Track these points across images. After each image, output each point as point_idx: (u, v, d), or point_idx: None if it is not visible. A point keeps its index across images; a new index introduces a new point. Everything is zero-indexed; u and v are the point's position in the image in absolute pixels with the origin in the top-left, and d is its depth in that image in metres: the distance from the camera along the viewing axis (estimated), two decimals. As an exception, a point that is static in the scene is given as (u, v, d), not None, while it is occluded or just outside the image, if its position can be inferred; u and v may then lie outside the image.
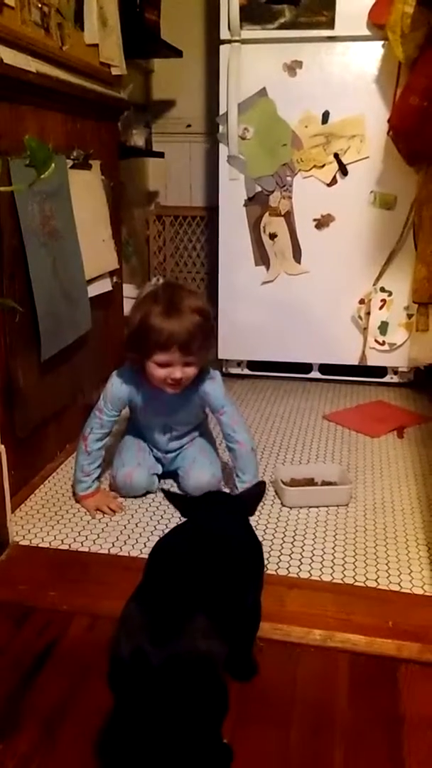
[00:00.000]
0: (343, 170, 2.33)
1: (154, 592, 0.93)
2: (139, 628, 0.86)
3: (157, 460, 1.78)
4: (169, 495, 1.19)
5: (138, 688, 0.83)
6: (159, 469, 1.78)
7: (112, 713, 0.92)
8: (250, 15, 2.22)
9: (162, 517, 1.64)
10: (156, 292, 1.55)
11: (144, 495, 1.73)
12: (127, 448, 1.75)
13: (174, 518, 1.63)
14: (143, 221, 3.06)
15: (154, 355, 1.53)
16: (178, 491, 1.71)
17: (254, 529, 1.16)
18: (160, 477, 1.78)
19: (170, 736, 0.85)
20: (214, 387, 1.66)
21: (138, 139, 2.70)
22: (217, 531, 1.08)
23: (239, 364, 2.66)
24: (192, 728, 0.86)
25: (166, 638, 0.84)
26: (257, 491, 1.18)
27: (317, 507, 1.68)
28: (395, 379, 2.60)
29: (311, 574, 1.42)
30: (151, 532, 1.57)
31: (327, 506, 1.69)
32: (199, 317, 1.53)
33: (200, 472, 1.69)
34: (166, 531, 1.56)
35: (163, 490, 1.32)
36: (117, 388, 1.65)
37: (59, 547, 1.51)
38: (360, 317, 2.46)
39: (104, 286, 2.10)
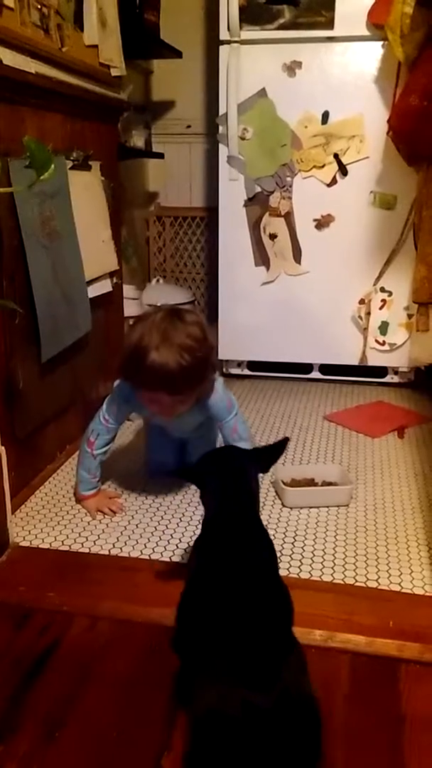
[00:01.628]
0: (342, 170, 2.33)
1: (233, 641, 0.91)
2: (233, 680, 0.85)
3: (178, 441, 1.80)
4: (179, 472, 1.26)
5: (253, 737, 0.82)
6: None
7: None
8: (250, 15, 2.22)
9: (162, 518, 1.64)
10: (153, 323, 1.43)
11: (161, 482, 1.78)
12: (151, 433, 1.82)
13: (174, 519, 1.63)
14: (143, 222, 3.06)
15: (142, 392, 1.49)
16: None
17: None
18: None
19: None
20: (215, 399, 1.59)
21: (138, 140, 2.70)
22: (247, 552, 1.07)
23: (239, 364, 2.66)
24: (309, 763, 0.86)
25: (269, 682, 0.84)
26: (277, 449, 1.21)
27: (318, 507, 1.68)
28: (395, 379, 2.59)
29: (312, 575, 1.42)
30: (151, 533, 1.57)
31: (327, 506, 1.69)
32: (193, 353, 1.41)
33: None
34: (166, 532, 1.57)
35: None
36: (119, 401, 1.61)
37: (59, 548, 1.51)
38: (360, 317, 2.46)
39: (104, 287, 2.10)
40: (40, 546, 1.52)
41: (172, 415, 1.54)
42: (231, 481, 1.20)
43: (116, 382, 1.63)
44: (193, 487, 1.75)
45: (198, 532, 1.57)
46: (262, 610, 0.96)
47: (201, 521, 1.61)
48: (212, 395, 1.59)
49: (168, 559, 1.47)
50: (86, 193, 1.93)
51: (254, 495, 1.22)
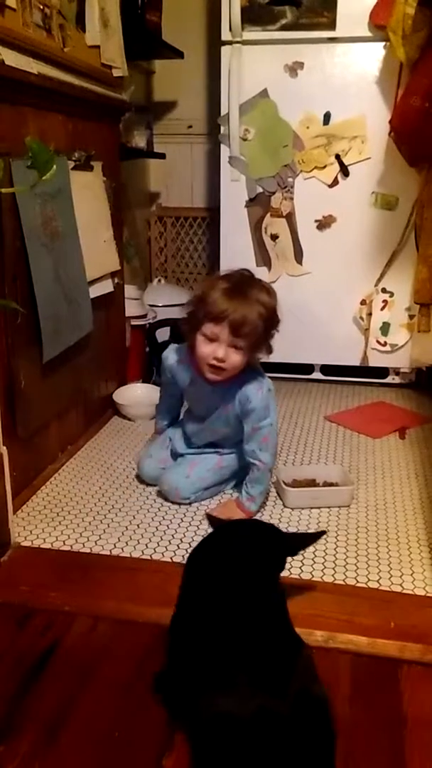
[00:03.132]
0: (344, 171, 2.33)
1: (247, 650, 0.92)
2: (248, 687, 0.86)
3: (173, 455, 1.80)
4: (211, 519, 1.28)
5: (271, 742, 0.82)
6: (170, 464, 1.78)
7: None
8: (252, 16, 2.23)
9: (164, 518, 1.64)
10: (230, 274, 1.54)
11: (152, 486, 1.78)
12: (151, 439, 1.88)
13: (175, 519, 1.63)
14: (145, 222, 3.06)
15: (203, 326, 1.50)
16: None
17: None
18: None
19: None
20: (258, 397, 1.57)
21: (139, 141, 2.70)
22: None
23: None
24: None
25: (283, 687, 0.85)
26: (309, 538, 1.25)
27: (319, 508, 1.68)
28: (397, 379, 2.59)
29: (313, 575, 1.42)
30: (152, 533, 1.57)
31: (329, 507, 1.69)
32: (263, 309, 1.49)
33: (178, 482, 1.68)
34: (167, 532, 1.57)
35: (207, 516, 1.41)
36: (164, 361, 1.72)
37: (61, 548, 1.51)
38: (361, 318, 2.46)
39: (106, 287, 2.11)
40: (41, 546, 1.52)
41: (221, 372, 1.53)
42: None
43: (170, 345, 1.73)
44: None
45: (199, 533, 1.57)
46: (265, 616, 0.96)
47: (202, 522, 1.62)
48: (254, 391, 1.58)
49: (169, 560, 1.47)
50: (88, 193, 1.93)
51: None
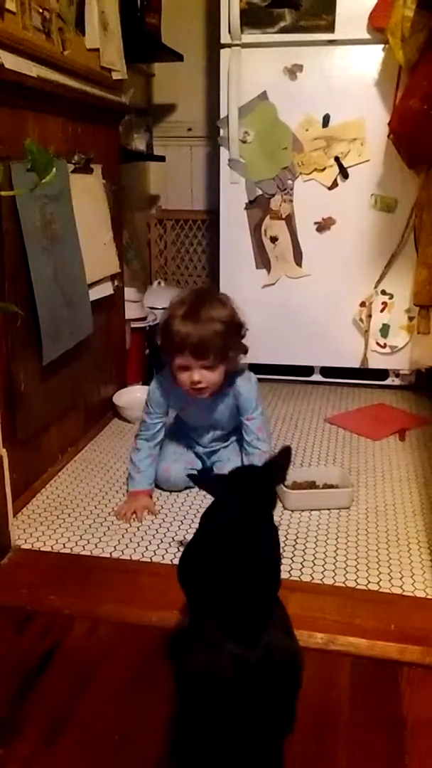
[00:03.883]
0: (343, 173, 2.33)
1: (223, 602, 0.94)
2: (221, 638, 0.87)
3: (198, 456, 1.82)
4: (194, 477, 1.35)
5: (239, 692, 0.85)
6: (198, 465, 1.81)
7: (188, 725, 0.93)
8: (251, 19, 2.23)
9: (164, 521, 1.64)
10: (186, 296, 1.61)
11: (185, 490, 1.78)
12: (167, 445, 1.81)
13: (175, 522, 1.64)
14: (144, 225, 3.06)
15: (173, 359, 1.59)
16: None
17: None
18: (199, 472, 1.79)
19: (259, 733, 0.87)
20: (248, 389, 1.69)
21: (139, 143, 2.71)
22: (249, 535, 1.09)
23: (241, 367, 2.66)
24: (283, 720, 0.90)
25: (256, 638, 0.86)
26: (282, 462, 1.24)
27: (319, 510, 1.68)
28: (396, 381, 2.60)
29: (313, 577, 1.42)
30: (153, 535, 1.57)
31: (328, 509, 1.69)
32: (218, 325, 1.56)
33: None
34: (168, 535, 1.57)
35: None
36: (154, 392, 1.72)
37: (61, 551, 1.52)
38: (361, 320, 2.46)
39: (105, 289, 2.11)
40: (41, 549, 1.52)
41: (204, 391, 1.60)
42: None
43: (154, 377, 1.77)
44: (196, 491, 1.76)
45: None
46: (250, 571, 0.98)
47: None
48: (244, 384, 1.69)
49: (170, 562, 1.47)
50: (88, 196, 1.93)
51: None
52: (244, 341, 1.67)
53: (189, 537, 1.56)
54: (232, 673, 0.85)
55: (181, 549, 1.28)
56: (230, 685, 0.85)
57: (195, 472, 1.75)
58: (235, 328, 1.62)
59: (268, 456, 1.68)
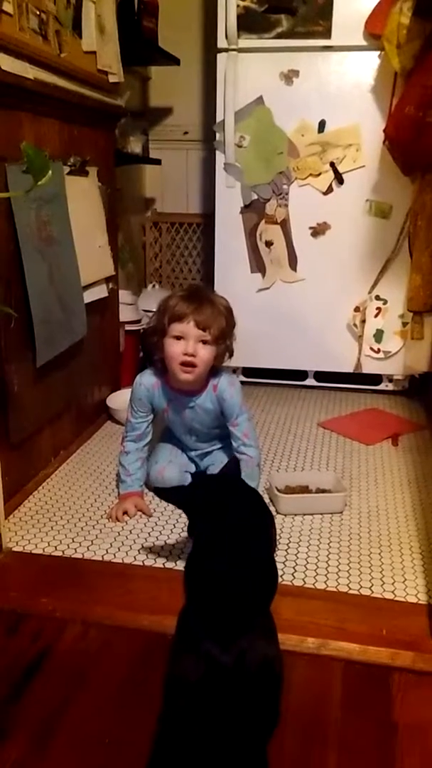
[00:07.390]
0: (339, 179, 2.34)
1: (207, 600, 0.95)
2: (200, 636, 0.88)
3: (191, 460, 1.82)
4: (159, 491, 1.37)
5: (213, 692, 0.85)
6: (192, 468, 1.80)
7: (168, 729, 0.92)
8: (248, 24, 2.24)
9: (156, 524, 1.64)
10: (182, 286, 1.64)
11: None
12: (160, 448, 1.81)
13: (168, 525, 1.63)
14: (140, 228, 3.06)
15: (170, 328, 1.58)
16: None
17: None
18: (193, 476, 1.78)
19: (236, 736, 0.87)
20: (231, 393, 1.67)
21: (135, 146, 2.71)
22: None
23: (234, 371, 2.65)
24: (263, 725, 0.90)
25: (232, 641, 0.87)
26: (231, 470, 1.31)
27: (311, 514, 1.68)
28: (390, 386, 2.60)
29: (305, 582, 1.42)
30: (145, 539, 1.57)
31: (321, 513, 1.69)
32: (222, 306, 1.60)
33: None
34: (160, 538, 1.57)
35: (155, 489, 1.44)
36: (137, 389, 1.71)
37: (53, 554, 1.51)
38: (355, 325, 2.46)
39: (100, 292, 2.11)
40: (33, 551, 1.52)
41: (194, 369, 1.58)
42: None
43: (137, 375, 1.74)
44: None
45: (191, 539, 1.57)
46: (242, 574, 0.99)
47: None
48: (228, 388, 1.66)
49: (162, 566, 1.47)
50: (83, 198, 1.93)
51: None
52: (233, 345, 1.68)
53: (181, 540, 1.57)
54: (202, 675, 0.85)
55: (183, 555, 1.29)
56: (198, 687, 0.85)
57: (188, 476, 1.74)
58: (232, 320, 1.64)
59: (257, 461, 1.70)
